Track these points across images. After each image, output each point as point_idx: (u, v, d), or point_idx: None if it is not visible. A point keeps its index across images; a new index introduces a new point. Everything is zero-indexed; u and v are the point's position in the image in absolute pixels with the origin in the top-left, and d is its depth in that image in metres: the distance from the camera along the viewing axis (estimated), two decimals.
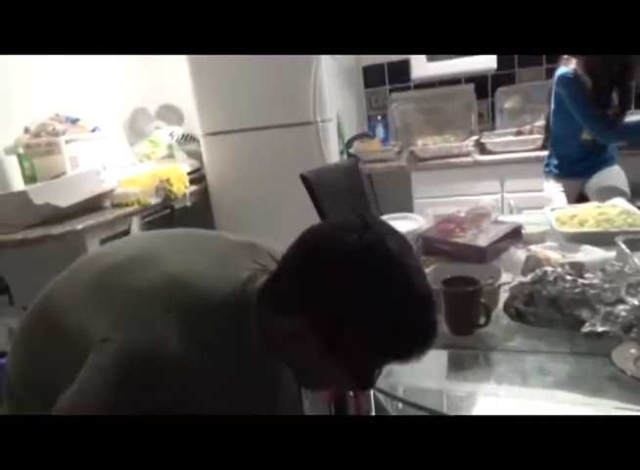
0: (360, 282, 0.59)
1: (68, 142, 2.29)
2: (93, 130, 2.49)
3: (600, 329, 0.83)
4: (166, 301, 0.68)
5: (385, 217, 1.53)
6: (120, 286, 0.72)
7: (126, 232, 2.10)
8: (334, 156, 2.45)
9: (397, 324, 0.59)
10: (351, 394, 0.96)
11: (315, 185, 1.81)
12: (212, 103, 2.50)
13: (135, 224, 1.20)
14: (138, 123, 2.98)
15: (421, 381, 0.96)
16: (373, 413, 0.97)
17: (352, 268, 0.60)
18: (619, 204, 1.49)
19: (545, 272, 0.96)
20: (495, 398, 0.87)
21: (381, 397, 1.09)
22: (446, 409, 0.84)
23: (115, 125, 2.89)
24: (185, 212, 2.43)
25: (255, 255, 0.76)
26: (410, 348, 0.62)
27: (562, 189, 2.13)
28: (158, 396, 0.63)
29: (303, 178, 1.82)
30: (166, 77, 3.17)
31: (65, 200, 1.91)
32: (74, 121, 2.42)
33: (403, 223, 1.49)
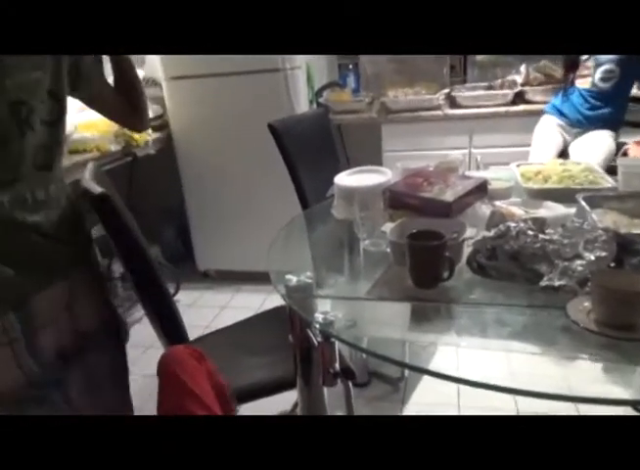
0: None
1: None
2: None
3: (557, 283, 0.86)
4: None
5: (353, 170, 1.51)
6: None
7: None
8: (303, 105, 2.38)
9: None
10: (316, 345, 0.97)
11: (283, 135, 1.76)
12: None
13: (89, 172, 1.14)
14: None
15: (384, 332, 0.98)
16: (337, 365, 0.99)
17: None
18: (584, 161, 1.52)
19: (508, 227, 0.97)
20: (455, 348, 0.90)
21: (345, 349, 1.11)
22: (408, 359, 0.87)
23: None
24: (148, 160, 2.34)
25: None
26: None
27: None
28: None
29: (271, 127, 1.76)
30: None
31: None
32: None
33: (371, 176, 1.47)
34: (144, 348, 2.12)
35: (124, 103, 1.19)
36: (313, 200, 1.74)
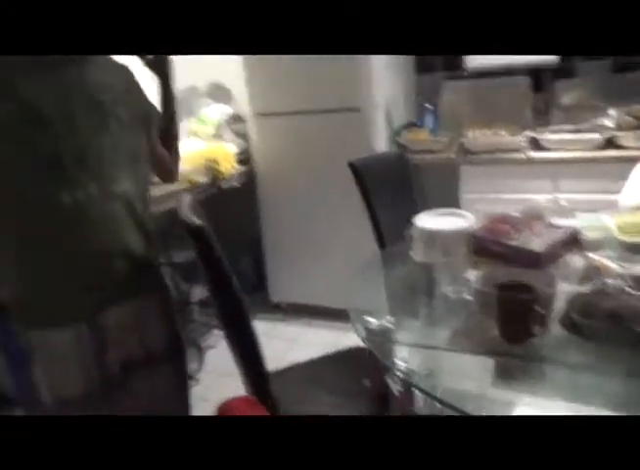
0: None
1: None
2: None
3: None
4: None
5: (433, 212, 1.49)
6: None
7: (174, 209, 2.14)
8: (382, 144, 2.41)
9: None
10: (397, 394, 0.96)
11: (363, 174, 1.79)
12: (262, 83, 2.50)
13: (185, 203, 1.22)
14: (187, 101, 3.01)
15: (462, 384, 0.95)
16: (415, 411, 0.97)
17: None
18: None
19: (605, 283, 0.93)
20: (539, 411, 0.85)
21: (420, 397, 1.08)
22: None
23: None
24: (232, 193, 2.46)
25: None
26: None
27: None
28: None
29: (352, 166, 1.81)
30: (216, 55, 3.18)
31: None
32: None
33: (452, 220, 1.45)
34: (217, 374, 2.17)
35: (165, 154, 1.33)
36: (390, 239, 1.74)
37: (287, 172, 2.58)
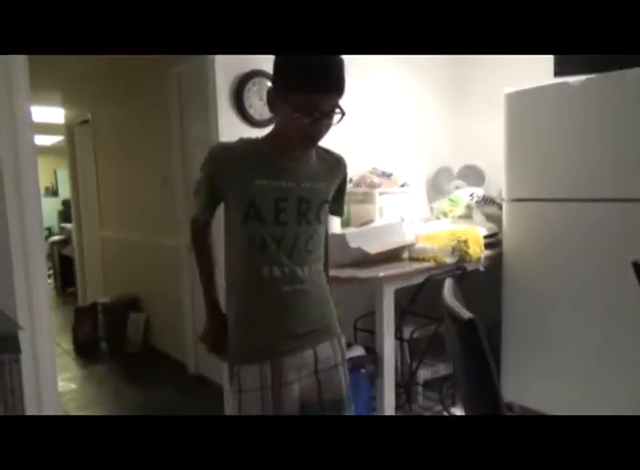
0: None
1: (380, 194, 2.53)
2: (402, 185, 2.69)
3: None
4: None
5: None
6: None
7: (420, 286, 2.16)
8: None
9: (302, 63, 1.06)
10: None
11: None
12: (524, 169, 2.40)
13: (448, 288, 1.20)
14: (440, 181, 3.09)
15: None
16: None
17: None
18: None
19: None
20: None
21: None
22: None
23: (420, 181, 3.07)
24: (475, 276, 2.36)
25: None
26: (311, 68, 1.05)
27: None
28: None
29: (637, 266, 1.54)
30: (473, 138, 3.22)
31: (374, 246, 2.09)
32: (389, 176, 2.66)
33: None
34: None
35: None
36: None
37: (537, 261, 2.35)
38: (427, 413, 2.43)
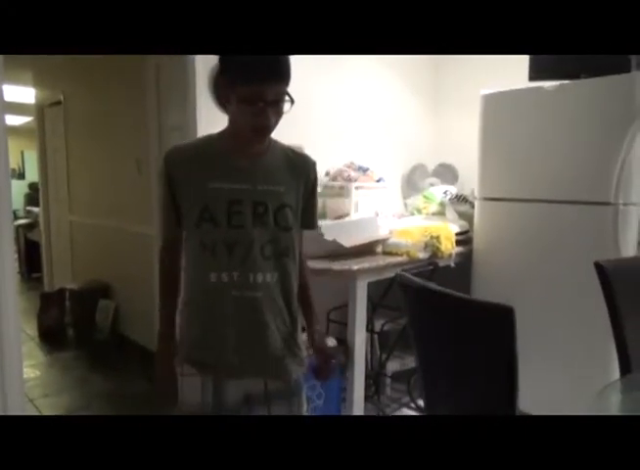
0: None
1: (357, 188, 2.55)
2: (378, 180, 2.72)
3: None
4: None
5: None
6: None
7: (391, 280, 2.20)
8: (630, 246, 2.11)
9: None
10: None
11: (613, 279, 1.57)
12: (496, 169, 2.46)
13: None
14: (415, 178, 3.14)
15: None
16: None
17: None
18: None
19: None
20: None
21: None
22: None
23: (395, 177, 3.12)
24: (445, 272, 2.42)
25: None
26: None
27: None
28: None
29: (599, 267, 1.60)
30: (449, 137, 3.29)
31: (349, 240, 2.11)
32: (365, 170, 2.69)
33: None
34: None
35: None
36: (637, 364, 1.47)
37: (506, 260, 2.43)
38: (394, 405, 2.48)
